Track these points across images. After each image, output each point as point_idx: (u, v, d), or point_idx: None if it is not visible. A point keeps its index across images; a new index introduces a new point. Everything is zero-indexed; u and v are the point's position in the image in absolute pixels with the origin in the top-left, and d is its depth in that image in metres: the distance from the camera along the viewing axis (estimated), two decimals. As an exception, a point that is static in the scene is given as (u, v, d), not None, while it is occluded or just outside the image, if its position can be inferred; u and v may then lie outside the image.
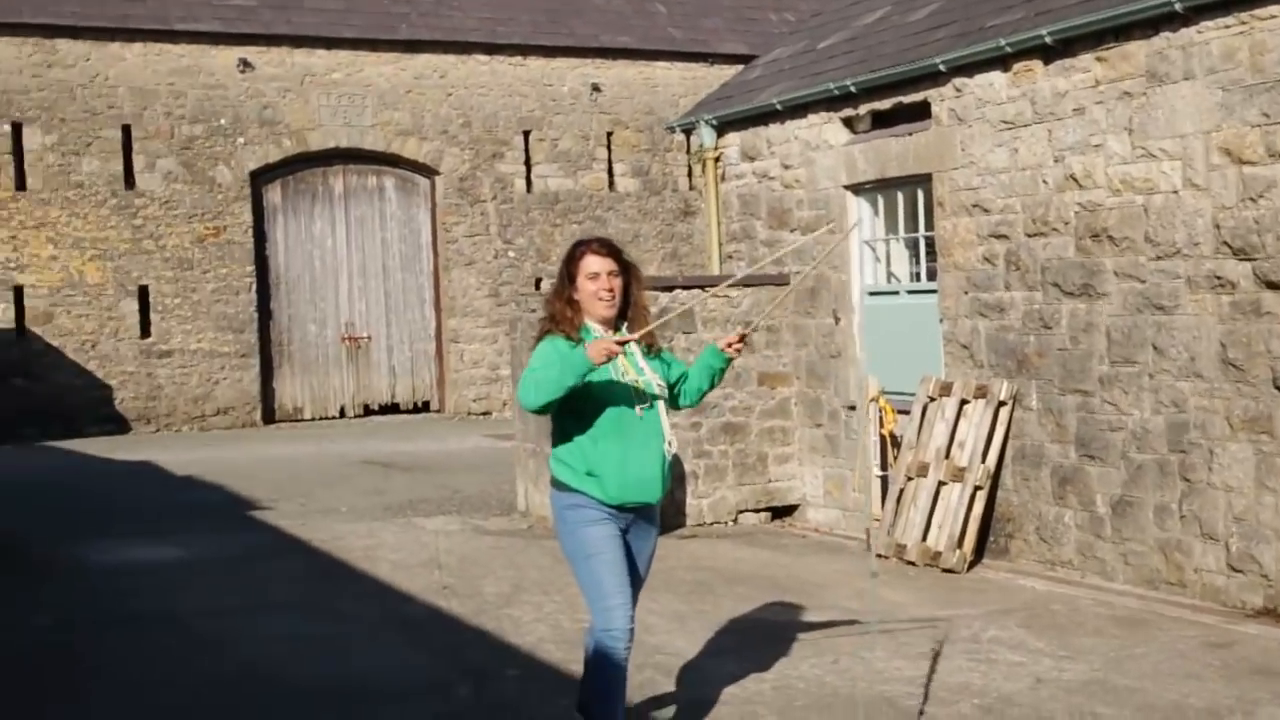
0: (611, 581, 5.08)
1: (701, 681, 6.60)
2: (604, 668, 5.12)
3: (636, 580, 5.31)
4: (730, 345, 5.24)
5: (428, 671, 6.97)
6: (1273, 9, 7.97)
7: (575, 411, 5.10)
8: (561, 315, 5.18)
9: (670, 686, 6.58)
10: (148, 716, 6.32)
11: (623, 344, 4.99)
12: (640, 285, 5.34)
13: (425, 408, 21.73)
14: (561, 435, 5.22)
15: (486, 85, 21.74)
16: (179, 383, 19.84)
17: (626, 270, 5.26)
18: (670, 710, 6.08)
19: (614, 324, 5.24)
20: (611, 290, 5.18)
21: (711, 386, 5.43)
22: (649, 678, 6.65)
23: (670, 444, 5.20)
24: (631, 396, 5.15)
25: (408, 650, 7.41)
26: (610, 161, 22.57)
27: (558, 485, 5.23)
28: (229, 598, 8.83)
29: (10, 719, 6.34)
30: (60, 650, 7.57)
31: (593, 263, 5.19)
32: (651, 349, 5.34)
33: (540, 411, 5.04)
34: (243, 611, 8.43)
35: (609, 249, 5.26)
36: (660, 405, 5.23)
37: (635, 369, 5.20)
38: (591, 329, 5.20)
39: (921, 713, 6.14)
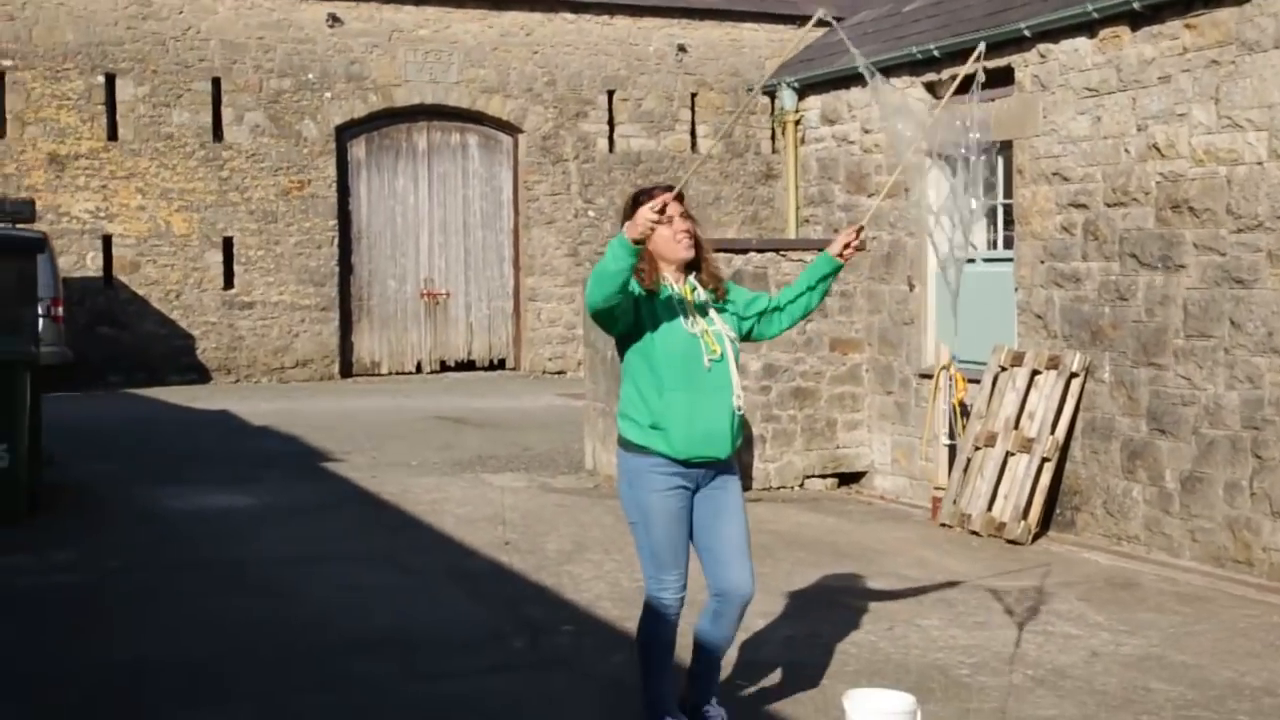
0: (667, 556, 4.94)
1: (756, 644, 6.60)
2: (650, 636, 5.04)
3: (734, 536, 5.01)
4: (849, 247, 5.03)
5: (487, 625, 7.04)
6: (1367, -24, 7.75)
7: (641, 360, 4.92)
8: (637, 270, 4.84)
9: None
10: (208, 657, 6.44)
11: (662, 209, 4.55)
12: (703, 233, 5.12)
13: (501, 365, 21.87)
14: (628, 389, 5.01)
15: (572, 44, 21.72)
16: (260, 334, 20.12)
17: (689, 217, 5.02)
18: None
19: (684, 273, 5.02)
20: (688, 231, 4.95)
21: (820, 299, 5.20)
22: (701, 637, 6.66)
23: (739, 398, 4.95)
24: (699, 347, 4.91)
25: (467, 603, 7.48)
26: (694, 123, 22.48)
27: (624, 444, 5.01)
28: (296, 546, 8.96)
29: (73, 652, 6.50)
30: (127, 592, 7.73)
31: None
32: (719, 295, 5.08)
33: (605, 314, 4.77)
34: (308, 560, 8.56)
35: (672, 190, 4.87)
36: (730, 357, 4.97)
37: (704, 318, 4.98)
38: (663, 278, 4.96)
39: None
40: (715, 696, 5.25)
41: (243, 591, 7.76)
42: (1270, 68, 8.34)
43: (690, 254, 4.99)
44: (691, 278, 5.05)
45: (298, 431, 14.24)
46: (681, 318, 4.93)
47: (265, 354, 20.17)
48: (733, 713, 5.35)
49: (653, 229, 4.55)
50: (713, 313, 5.03)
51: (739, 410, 4.98)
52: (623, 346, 5.02)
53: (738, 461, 5.15)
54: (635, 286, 4.87)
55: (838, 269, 5.15)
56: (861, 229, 5.09)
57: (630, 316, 4.87)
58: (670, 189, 4.78)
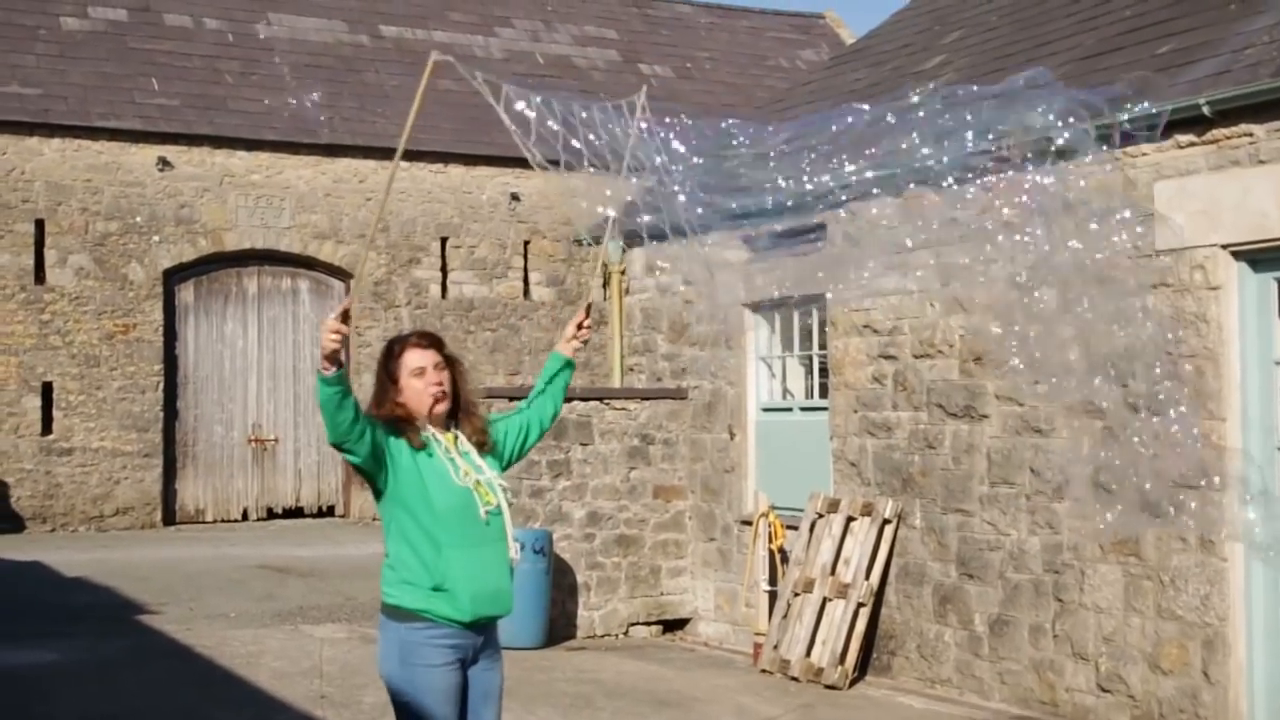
0: None
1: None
2: None
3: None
4: (578, 331, 5.01)
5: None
6: (1144, 146, 8.27)
7: (410, 518, 4.65)
8: (395, 417, 4.67)
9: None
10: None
11: (345, 318, 4.37)
12: (466, 380, 4.91)
13: (330, 512, 21.53)
14: (399, 549, 4.69)
15: (406, 191, 21.88)
16: (78, 481, 19.54)
17: (451, 364, 4.83)
18: None
19: (444, 423, 4.80)
20: (440, 384, 4.74)
21: (562, 397, 5.09)
22: (513, 792, 6.60)
23: (515, 549, 4.77)
24: (474, 499, 4.67)
25: (275, 760, 7.30)
26: (526, 270, 22.73)
27: (394, 613, 4.66)
28: (98, 705, 8.66)
29: None
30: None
31: (416, 357, 4.74)
32: (484, 446, 4.84)
33: (344, 441, 4.51)
34: None
35: (430, 340, 4.83)
36: (504, 507, 4.75)
37: (474, 468, 4.75)
38: (425, 432, 4.73)
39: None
40: None
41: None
42: (1057, 227, 8.81)
43: (441, 408, 4.78)
44: (454, 428, 4.84)
45: (113, 583, 13.80)
46: (450, 470, 4.70)
47: (84, 502, 19.57)
48: None
49: (336, 343, 4.35)
50: (481, 461, 4.80)
51: (515, 563, 4.79)
52: (387, 503, 4.73)
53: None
54: (387, 440, 4.66)
55: (569, 364, 5.10)
56: (589, 307, 5.08)
57: (368, 447, 4.59)
58: (429, 336, 4.78)
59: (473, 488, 4.72)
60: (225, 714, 8.38)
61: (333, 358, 4.37)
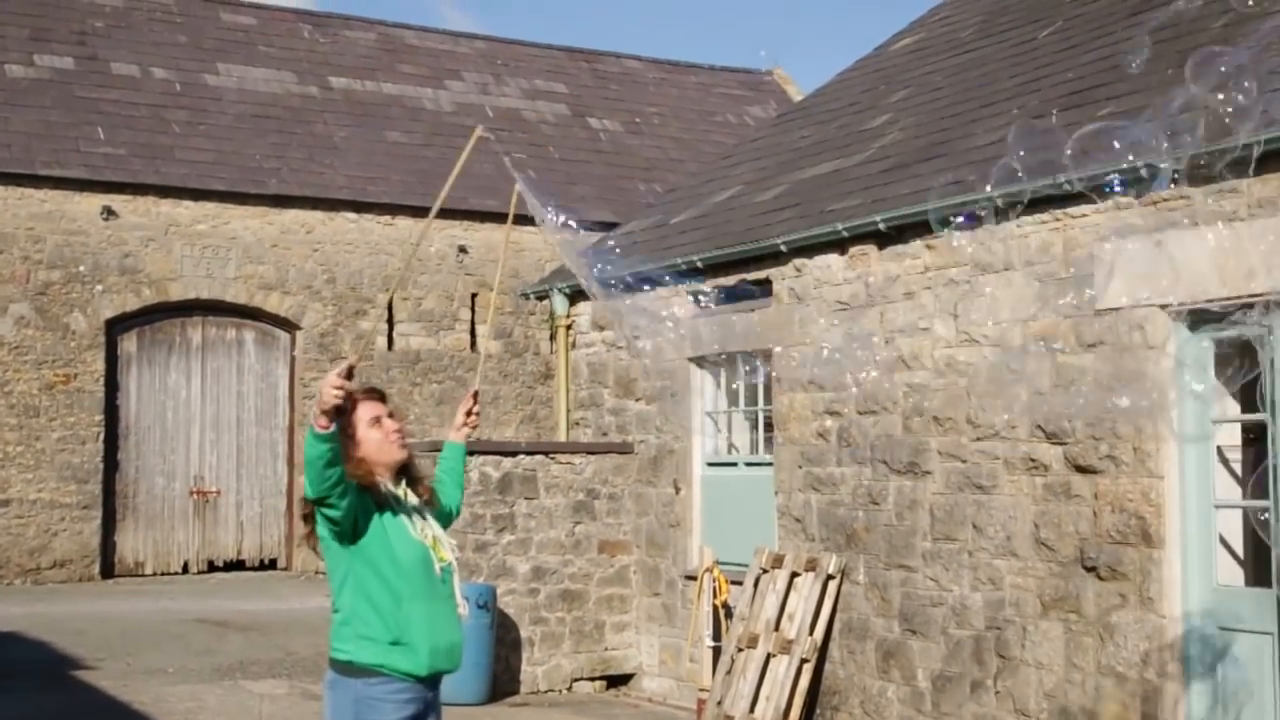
0: None
1: None
2: None
3: None
4: (466, 420, 5.04)
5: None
6: (1084, 208, 8.41)
7: (369, 570, 4.61)
8: (359, 470, 4.63)
9: None
10: None
11: (349, 374, 4.39)
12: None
13: (273, 565, 21.29)
14: (355, 603, 4.63)
15: (353, 242, 21.84)
16: (15, 533, 19.23)
17: (397, 416, 4.85)
18: None
19: (395, 478, 4.79)
20: (400, 430, 4.78)
21: (462, 485, 5.14)
22: None
23: (464, 606, 4.78)
24: (431, 554, 4.70)
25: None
26: (474, 323, 22.71)
27: (348, 669, 4.62)
28: (32, 761, 8.50)
29: None
30: None
31: (368, 408, 4.75)
32: (430, 504, 4.88)
33: (326, 496, 4.47)
34: (44, 776, 8.12)
35: (377, 393, 4.86)
36: (454, 564, 4.79)
37: (427, 523, 4.78)
38: (382, 484, 4.72)
39: None
40: None
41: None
42: (1002, 287, 8.92)
43: (405, 454, 4.81)
44: (403, 482, 4.84)
45: (49, 637, 13.57)
46: (409, 524, 4.72)
47: (20, 554, 19.25)
48: None
49: (338, 399, 4.36)
50: (429, 517, 4.82)
51: (465, 618, 4.81)
52: (346, 557, 4.66)
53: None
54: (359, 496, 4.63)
55: (465, 452, 5.15)
56: (476, 394, 5.09)
57: (349, 503, 4.56)
58: (377, 391, 4.80)
59: (429, 542, 4.74)
60: (161, 772, 8.25)
61: (331, 414, 4.38)
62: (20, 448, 19.39)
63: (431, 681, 4.69)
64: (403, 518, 4.72)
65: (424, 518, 4.80)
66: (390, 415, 4.81)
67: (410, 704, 4.61)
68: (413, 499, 4.82)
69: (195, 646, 13.27)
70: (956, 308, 9.26)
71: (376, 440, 4.73)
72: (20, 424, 19.40)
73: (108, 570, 19.91)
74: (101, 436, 19.91)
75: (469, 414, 5.12)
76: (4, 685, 10.97)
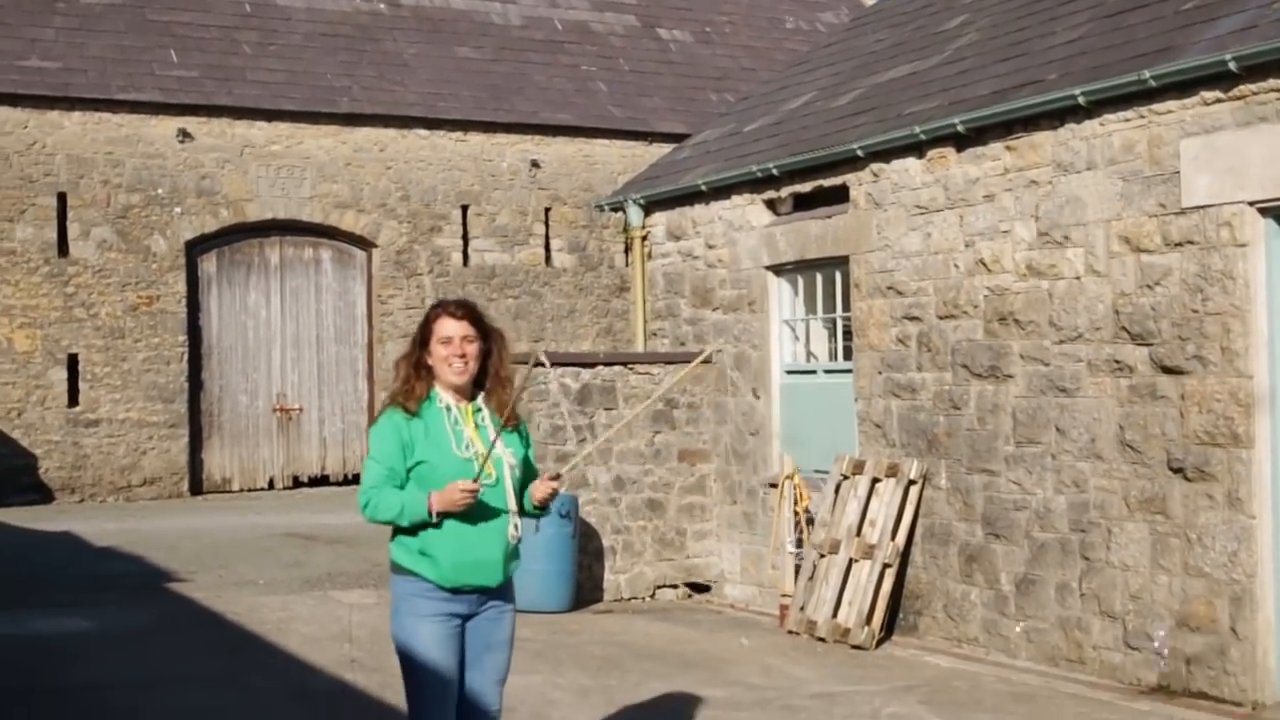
0: (431, 689, 4.78)
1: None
2: None
3: (495, 668, 4.94)
4: (548, 489, 4.92)
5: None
6: (1169, 104, 8.23)
7: (410, 482, 4.81)
8: (407, 382, 4.85)
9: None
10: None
11: (473, 492, 4.67)
12: (504, 354, 4.98)
13: (355, 480, 21.57)
14: None
15: (426, 159, 21.88)
16: (105, 452, 19.67)
17: (487, 336, 4.91)
18: None
19: (468, 393, 4.92)
20: (464, 356, 4.84)
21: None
22: (545, 752, 6.66)
23: (516, 526, 4.86)
24: (471, 472, 4.76)
25: (308, 724, 7.38)
26: (548, 237, 22.72)
27: (394, 568, 4.89)
28: (133, 670, 8.75)
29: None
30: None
31: (447, 325, 4.85)
32: (507, 422, 4.91)
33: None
34: (145, 685, 8.36)
35: (467, 311, 4.90)
36: (508, 483, 4.86)
37: (484, 441, 4.84)
38: (440, 397, 4.88)
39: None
40: None
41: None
42: (1084, 188, 8.78)
43: (459, 379, 4.87)
44: (479, 399, 4.94)
45: (142, 551, 13.91)
46: (453, 441, 4.81)
47: (111, 472, 19.70)
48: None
49: (462, 508, 4.68)
50: (494, 434, 4.85)
51: (515, 540, 4.87)
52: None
53: (513, 586, 4.98)
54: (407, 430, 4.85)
55: (545, 513, 5.08)
56: (559, 476, 5.05)
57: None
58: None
59: (474, 459, 4.81)
60: (259, 678, 8.46)
61: (447, 513, 4.71)
62: (107, 369, 19.76)
63: (466, 593, 4.81)
64: (449, 434, 4.82)
65: (485, 437, 4.86)
66: (471, 338, 4.87)
67: (444, 603, 4.80)
68: (484, 419, 4.90)
69: (284, 559, 13.55)
70: (1038, 209, 9.13)
71: (441, 357, 4.87)
72: (106, 345, 19.76)
73: (196, 487, 20.32)
74: (185, 356, 20.23)
75: (548, 489, 4.95)
76: (104, 598, 11.27)
